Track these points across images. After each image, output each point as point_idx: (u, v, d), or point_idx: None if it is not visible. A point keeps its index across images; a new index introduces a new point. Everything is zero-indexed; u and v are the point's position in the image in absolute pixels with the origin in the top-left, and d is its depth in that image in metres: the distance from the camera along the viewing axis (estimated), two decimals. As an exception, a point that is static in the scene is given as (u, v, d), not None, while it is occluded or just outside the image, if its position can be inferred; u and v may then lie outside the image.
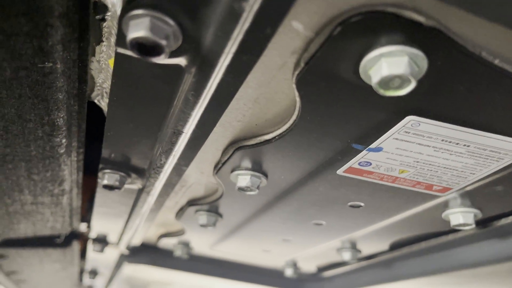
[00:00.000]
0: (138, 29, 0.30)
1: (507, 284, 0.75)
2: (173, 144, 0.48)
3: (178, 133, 0.46)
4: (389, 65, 0.31)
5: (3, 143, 0.51)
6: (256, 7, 0.28)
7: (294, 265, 0.98)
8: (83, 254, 1.31)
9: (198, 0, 0.30)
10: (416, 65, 0.31)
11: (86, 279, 1.62)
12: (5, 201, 0.69)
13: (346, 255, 0.80)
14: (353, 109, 0.38)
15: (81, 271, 1.49)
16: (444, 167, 0.47)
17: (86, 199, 0.85)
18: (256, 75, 0.37)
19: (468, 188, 0.52)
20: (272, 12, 0.29)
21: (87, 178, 0.74)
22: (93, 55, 0.43)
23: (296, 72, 0.35)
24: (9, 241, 1.00)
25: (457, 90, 0.35)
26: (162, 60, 0.33)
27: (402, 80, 0.32)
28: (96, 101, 0.51)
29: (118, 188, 0.58)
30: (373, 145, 0.44)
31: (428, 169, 0.48)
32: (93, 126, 0.58)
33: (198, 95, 0.39)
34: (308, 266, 1.00)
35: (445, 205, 0.57)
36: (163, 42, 0.31)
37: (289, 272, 0.98)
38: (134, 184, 0.62)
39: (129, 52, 0.35)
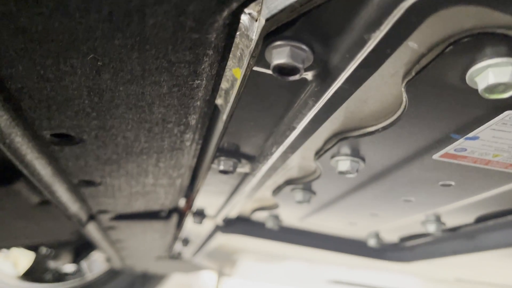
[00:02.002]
0: (281, 57, 0.38)
1: None
2: (284, 137, 0.56)
3: (291, 129, 0.54)
4: (495, 74, 0.36)
5: (144, 140, 0.62)
6: (381, 35, 0.35)
7: (377, 235, 1.05)
8: (178, 224, 1.47)
9: (332, 31, 0.36)
10: (519, 72, 0.36)
11: (178, 246, 1.81)
12: (131, 184, 0.82)
13: (431, 228, 0.85)
14: (455, 107, 0.44)
15: (175, 239, 1.67)
16: (539, 151, 0.51)
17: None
18: (368, 82, 0.44)
19: (561, 169, 0.55)
20: (394, 39, 0.35)
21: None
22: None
23: (407, 79, 0.41)
24: (122, 215, 1.17)
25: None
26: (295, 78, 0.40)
27: (506, 87, 0.37)
28: (217, 103, 0.60)
29: (231, 172, 0.68)
30: (470, 135, 0.49)
31: (522, 153, 0.52)
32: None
33: (317, 100, 0.46)
34: (390, 237, 1.06)
35: (536, 183, 0.61)
36: (300, 66, 0.38)
37: (372, 242, 1.05)
38: (243, 168, 0.71)
39: (265, 70, 0.43)
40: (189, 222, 1.32)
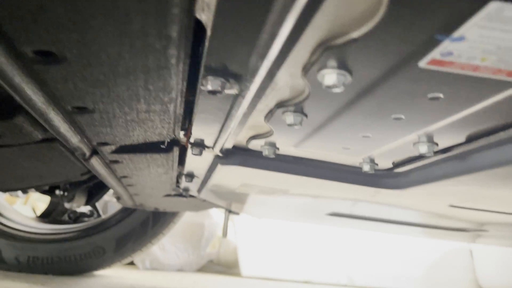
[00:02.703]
0: None
1: None
2: (267, 47, 0.55)
3: (272, 36, 0.53)
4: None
5: (128, 56, 0.61)
6: None
7: (371, 161, 1.06)
8: (181, 161, 1.50)
9: None
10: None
11: (183, 182, 1.86)
12: (125, 110, 0.83)
13: (423, 148, 0.85)
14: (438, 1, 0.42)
15: (179, 175, 1.71)
16: (526, 52, 0.49)
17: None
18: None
19: (551, 73, 0.54)
20: None
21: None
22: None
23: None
24: (123, 147, 1.19)
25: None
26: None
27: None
28: (197, 15, 0.58)
29: (220, 92, 0.68)
30: (456, 34, 0.47)
31: (509, 56, 0.50)
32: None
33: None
34: (384, 163, 1.07)
35: (527, 92, 0.60)
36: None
37: (366, 167, 1.07)
38: (232, 89, 0.71)
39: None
40: (191, 157, 1.34)
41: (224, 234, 3.80)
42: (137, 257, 3.96)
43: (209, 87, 0.68)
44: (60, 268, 2.83)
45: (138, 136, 1.03)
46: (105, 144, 1.09)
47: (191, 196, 2.19)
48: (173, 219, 2.98)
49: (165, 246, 4.19)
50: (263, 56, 0.58)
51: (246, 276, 4.26)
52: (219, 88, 0.68)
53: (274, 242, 4.52)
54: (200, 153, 1.15)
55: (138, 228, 2.91)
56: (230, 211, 4.55)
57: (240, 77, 0.68)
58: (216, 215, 4.57)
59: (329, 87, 0.61)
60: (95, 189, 2.82)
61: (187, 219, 4.16)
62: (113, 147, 1.14)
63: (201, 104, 0.81)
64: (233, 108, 0.81)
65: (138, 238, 2.91)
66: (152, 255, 4.07)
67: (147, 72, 0.66)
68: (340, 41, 0.54)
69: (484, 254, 4.68)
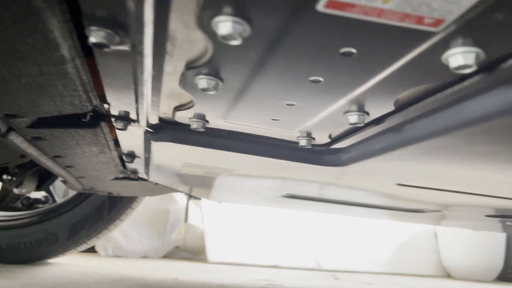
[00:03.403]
0: None
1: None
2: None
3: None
4: None
5: (-17, -1, 0.51)
6: None
7: (308, 135, 1.00)
8: (118, 142, 1.40)
9: None
10: None
11: (129, 164, 1.76)
12: (14, 72, 0.72)
13: (353, 118, 0.79)
14: None
15: (118, 155, 1.61)
16: (431, -10, 0.42)
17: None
18: None
19: (465, 19, 0.47)
20: None
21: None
22: None
23: None
24: (41, 121, 1.08)
25: None
26: None
27: None
28: None
29: (107, 46, 0.59)
30: (345, -35, 0.40)
31: (413, -6, 0.43)
32: None
33: None
34: (321, 137, 1.01)
35: (445, 46, 0.53)
36: None
37: (303, 142, 1.00)
38: (122, 44, 0.62)
39: None
40: (121, 133, 1.25)
41: (186, 219, 3.71)
42: (98, 244, 3.85)
43: (93, 39, 0.58)
44: (10, 256, 2.70)
45: (48, 106, 0.92)
46: (15, 116, 0.98)
47: (142, 179, 2.09)
48: (130, 204, 2.87)
49: (128, 232, 4.09)
50: (139, -2, 0.49)
51: (212, 262, 4.21)
52: (104, 41, 0.58)
53: (241, 227, 4.47)
54: (125, 127, 1.06)
55: (93, 214, 2.80)
56: (190, 196, 4.47)
57: (127, 28, 0.59)
58: (182, 200, 4.48)
59: (225, 38, 0.53)
60: (45, 173, 2.68)
61: (151, 204, 4.06)
62: (26, 120, 1.03)
63: (101, 65, 0.72)
64: (138, 70, 0.72)
65: (93, 225, 2.79)
66: (114, 242, 3.97)
67: (15, 22, 0.56)
68: (221, -24, 0.45)
69: (447, 236, 4.78)
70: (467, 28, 0.48)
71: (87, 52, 0.77)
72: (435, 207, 1.85)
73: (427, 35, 0.51)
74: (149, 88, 0.79)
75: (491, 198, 1.37)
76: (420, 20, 0.47)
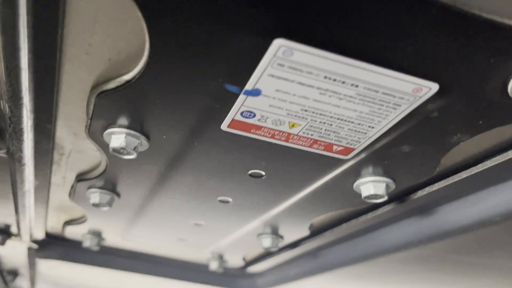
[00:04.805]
0: None
1: (433, 270, 0.69)
2: (12, 85, 0.39)
3: (12, 68, 0.37)
4: None
5: None
6: None
7: (220, 257, 0.90)
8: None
9: None
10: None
11: (10, 282, 1.48)
12: None
13: (266, 242, 0.72)
14: (204, 26, 0.31)
15: (1, 273, 1.35)
16: (338, 118, 0.40)
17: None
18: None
19: (374, 149, 0.45)
20: None
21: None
22: None
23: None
24: None
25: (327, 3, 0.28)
26: None
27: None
28: None
29: (-29, 151, 0.49)
30: (248, 86, 0.37)
31: (320, 121, 0.41)
32: None
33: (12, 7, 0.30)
34: (235, 260, 0.92)
35: (356, 174, 0.51)
36: None
37: (214, 266, 0.90)
38: (-4, 149, 0.52)
39: None
40: (6, 249, 1.05)
41: None
42: None
43: (-46, 143, 0.48)
44: None
45: None
46: None
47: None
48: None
49: None
50: (13, 99, 0.42)
51: None
52: (-31, 145, 0.48)
53: None
54: (3, 242, 0.88)
55: None
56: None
57: (2, 132, 0.49)
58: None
59: (117, 151, 0.46)
60: None
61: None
62: None
63: (-29, 171, 0.60)
64: (15, 178, 0.61)
65: None
66: None
67: None
68: (112, 84, 0.40)
69: None
70: (377, 158, 0.47)
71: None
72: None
73: (338, 162, 0.48)
74: (32, 200, 0.67)
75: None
76: (329, 147, 0.45)
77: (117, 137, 0.46)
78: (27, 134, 0.48)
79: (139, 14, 0.31)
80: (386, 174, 0.50)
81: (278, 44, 0.31)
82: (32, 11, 0.31)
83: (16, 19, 0.32)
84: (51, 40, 0.34)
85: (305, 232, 0.70)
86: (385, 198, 0.50)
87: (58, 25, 0.33)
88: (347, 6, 0.28)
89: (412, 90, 0.36)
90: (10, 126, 0.47)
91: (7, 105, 0.42)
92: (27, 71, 0.37)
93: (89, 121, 0.45)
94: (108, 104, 0.42)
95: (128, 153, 0.46)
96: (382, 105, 0.38)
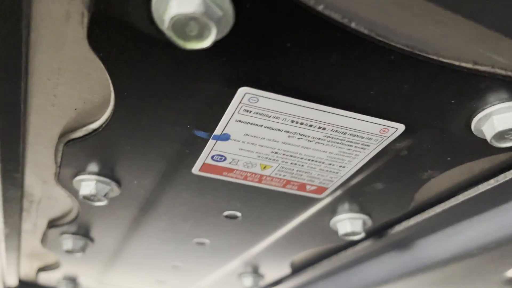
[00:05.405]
0: None
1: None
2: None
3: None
4: (179, 3, 0.24)
5: None
6: None
7: (201, 298, 0.87)
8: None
9: None
10: (215, 4, 0.25)
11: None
12: None
13: (247, 282, 0.71)
14: (168, 79, 0.31)
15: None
16: (309, 159, 0.40)
17: None
18: (42, 33, 0.29)
19: (347, 187, 0.45)
20: None
21: None
22: None
23: (85, 27, 0.28)
24: None
25: (285, 48, 0.28)
26: None
27: (199, 25, 0.25)
28: None
29: None
30: (217, 132, 0.36)
31: (292, 163, 0.41)
32: None
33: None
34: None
35: (332, 211, 0.51)
36: None
37: (195, 307, 0.87)
38: (-39, 199, 0.50)
39: None
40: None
41: None
42: None
43: None
44: None
45: None
46: None
47: None
48: None
49: None
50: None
51: None
52: None
53: None
54: (-28, 292, 0.84)
55: None
56: None
57: (-33, 183, 0.48)
58: None
59: (87, 198, 0.45)
60: None
61: None
62: None
63: None
64: (-17, 227, 0.58)
65: None
66: None
67: None
68: (79, 133, 0.39)
69: None
70: (351, 196, 0.47)
71: None
72: None
73: (313, 200, 0.48)
74: (3, 248, 0.65)
75: None
76: (302, 186, 0.45)
77: (87, 184, 0.45)
78: (-7, 184, 0.47)
79: (102, 66, 0.30)
80: (361, 210, 0.50)
81: (243, 92, 0.32)
82: None
83: (-23, 72, 0.32)
84: (15, 91, 0.34)
85: (287, 270, 0.69)
86: (363, 235, 0.50)
87: (21, 77, 0.32)
88: (307, 56, 0.29)
89: (379, 131, 0.36)
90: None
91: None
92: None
93: (58, 169, 0.44)
94: (76, 152, 0.41)
95: (99, 200, 0.45)
96: (351, 146, 0.38)
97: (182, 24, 0.25)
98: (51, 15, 0.28)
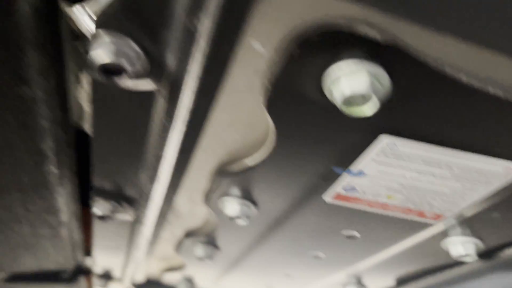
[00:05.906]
0: (103, 56, 0.31)
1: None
2: (155, 169, 0.49)
3: (158, 158, 0.46)
4: (350, 83, 0.31)
5: (-3, 172, 0.52)
6: (208, 25, 0.29)
7: (302, 303, 0.94)
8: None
9: (157, 23, 0.31)
10: (378, 82, 0.31)
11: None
12: (7, 233, 0.70)
13: (351, 292, 0.76)
14: (324, 130, 0.38)
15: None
16: (432, 192, 0.45)
17: (91, 234, 0.86)
18: (227, 98, 0.38)
19: (464, 215, 0.49)
20: (226, 31, 0.30)
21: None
22: (78, 82, 0.45)
23: (266, 95, 0.36)
24: (15, 276, 1.01)
25: (428, 107, 0.34)
26: (126, 81, 0.34)
27: (365, 99, 0.31)
28: (86, 129, 0.52)
29: (110, 218, 0.59)
30: (353, 169, 0.43)
31: (416, 194, 0.46)
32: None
33: (170, 118, 0.39)
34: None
35: (444, 234, 0.55)
36: (126, 65, 0.32)
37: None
38: (126, 214, 0.62)
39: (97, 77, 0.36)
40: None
41: None
42: None
43: (97, 212, 0.58)
44: None
45: (29, 263, 0.87)
46: (-9, 271, 0.92)
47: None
48: None
49: None
50: (152, 178, 0.51)
51: None
52: (109, 213, 0.58)
53: None
54: (104, 286, 0.99)
55: None
56: None
57: (134, 201, 0.59)
58: None
59: (232, 218, 0.54)
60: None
61: None
62: (3, 274, 0.96)
63: (98, 229, 0.71)
64: (133, 235, 0.70)
65: None
66: None
67: (23, 190, 0.57)
68: (235, 168, 0.48)
69: None
70: (466, 223, 0.51)
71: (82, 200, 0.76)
72: None
73: (428, 225, 0.52)
74: (142, 252, 0.77)
75: None
76: (421, 214, 0.50)
77: (232, 206, 0.53)
78: (155, 203, 0.58)
79: (269, 119, 0.38)
80: (475, 234, 0.53)
81: (384, 139, 0.38)
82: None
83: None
84: (192, 140, 0.43)
85: (391, 283, 0.73)
86: (475, 258, 0.53)
87: (198, 133, 0.41)
88: (445, 114, 0.34)
89: (503, 170, 0.40)
90: (142, 197, 0.57)
91: (147, 183, 0.52)
92: (169, 161, 0.46)
93: (210, 193, 0.54)
94: (228, 182, 0.50)
95: (241, 219, 0.54)
96: (474, 183, 0.42)
97: (351, 99, 0.31)
98: (237, 86, 0.36)
